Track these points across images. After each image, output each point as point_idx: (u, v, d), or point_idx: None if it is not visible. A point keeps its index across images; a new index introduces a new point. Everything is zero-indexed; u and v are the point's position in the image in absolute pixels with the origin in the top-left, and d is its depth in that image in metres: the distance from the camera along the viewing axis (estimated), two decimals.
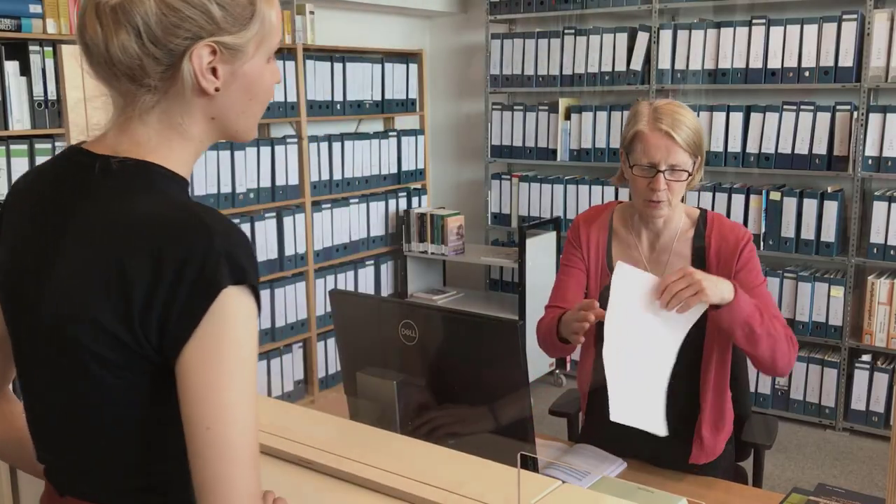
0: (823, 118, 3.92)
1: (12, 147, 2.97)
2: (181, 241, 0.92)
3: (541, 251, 4.37)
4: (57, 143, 3.06)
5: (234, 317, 0.93)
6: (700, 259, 1.98)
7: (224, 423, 0.92)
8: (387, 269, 4.71)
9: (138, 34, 0.96)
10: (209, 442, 0.92)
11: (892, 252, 3.81)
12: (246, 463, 0.93)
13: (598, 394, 2.11)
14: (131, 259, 0.92)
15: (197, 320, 0.91)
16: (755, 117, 4.09)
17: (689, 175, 1.93)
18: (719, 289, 1.78)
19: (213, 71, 1.00)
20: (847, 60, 3.84)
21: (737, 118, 4.12)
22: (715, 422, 2.02)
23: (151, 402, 0.98)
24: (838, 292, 3.95)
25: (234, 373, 0.93)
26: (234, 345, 0.93)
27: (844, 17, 3.83)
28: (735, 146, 4.13)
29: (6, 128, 2.96)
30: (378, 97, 4.53)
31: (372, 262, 4.59)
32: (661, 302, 1.76)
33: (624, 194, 4.50)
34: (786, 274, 4.05)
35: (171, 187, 1.01)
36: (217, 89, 1.01)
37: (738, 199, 4.12)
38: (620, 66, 4.42)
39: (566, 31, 4.56)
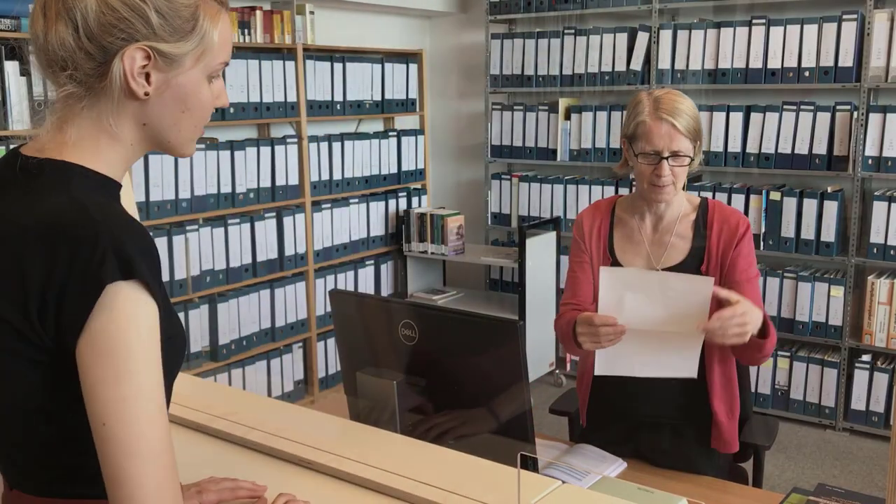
0: (823, 118, 3.92)
1: (12, 147, 2.97)
2: (70, 238, 0.94)
3: (541, 251, 4.37)
4: None
5: (122, 312, 0.94)
6: (701, 238, 2.04)
7: (119, 420, 0.93)
8: (387, 269, 4.71)
9: (76, 28, 0.99)
10: (106, 438, 0.93)
11: (892, 252, 3.81)
12: (146, 458, 0.94)
13: (601, 391, 2.13)
14: (28, 258, 0.95)
15: (84, 316, 0.93)
16: (755, 117, 4.09)
17: (691, 159, 2.00)
18: (755, 328, 1.84)
19: (147, 76, 1.02)
20: (847, 60, 3.84)
21: (737, 118, 4.12)
22: (728, 402, 2.05)
23: (61, 396, 0.99)
24: (838, 292, 3.95)
25: (128, 368, 0.93)
26: (123, 341, 0.94)
27: (844, 17, 3.83)
28: (735, 146, 4.13)
29: (6, 128, 2.96)
30: (378, 97, 4.53)
31: (372, 262, 4.59)
32: (705, 326, 1.79)
33: (624, 191, 4.49)
34: (786, 274, 4.05)
35: (85, 187, 1.01)
36: (147, 94, 1.03)
37: (738, 199, 4.12)
38: (620, 66, 4.42)
39: (566, 31, 4.56)
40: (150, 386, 0.95)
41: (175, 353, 1.08)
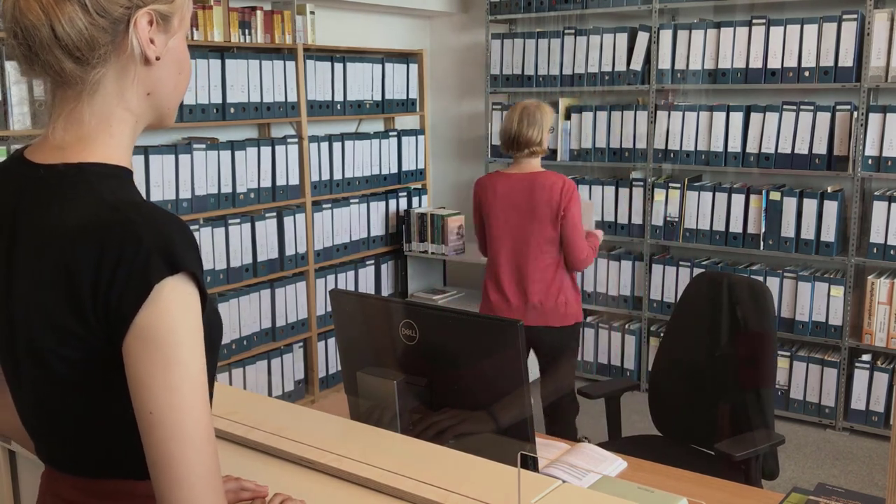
0: (823, 118, 3.92)
1: (13, 147, 2.97)
2: (112, 243, 0.94)
3: None
4: None
5: (168, 305, 0.95)
6: None
7: (166, 407, 0.94)
8: (387, 269, 4.71)
9: (84, 6, 0.97)
10: (154, 425, 0.95)
11: (892, 252, 3.82)
12: (195, 444, 0.95)
13: None
14: (74, 262, 0.95)
15: (133, 315, 0.94)
16: (755, 117, 4.09)
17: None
18: None
19: (151, 41, 1.03)
20: (847, 60, 3.84)
21: (737, 118, 4.12)
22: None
23: (110, 389, 1.00)
24: (838, 292, 3.95)
25: (176, 358, 0.95)
26: (170, 331, 0.95)
27: (844, 17, 3.83)
28: (735, 146, 4.13)
29: (6, 128, 2.97)
30: (378, 97, 4.53)
31: (372, 261, 4.59)
32: None
33: (624, 190, 4.50)
34: (786, 274, 4.05)
35: (107, 184, 1.01)
36: (158, 57, 1.04)
37: (738, 199, 4.12)
38: (620, 66, 4.42)
39: (566, 31, 4.56)
40: (195, 373, 0.96)
41: (213, 341, 1.08)
